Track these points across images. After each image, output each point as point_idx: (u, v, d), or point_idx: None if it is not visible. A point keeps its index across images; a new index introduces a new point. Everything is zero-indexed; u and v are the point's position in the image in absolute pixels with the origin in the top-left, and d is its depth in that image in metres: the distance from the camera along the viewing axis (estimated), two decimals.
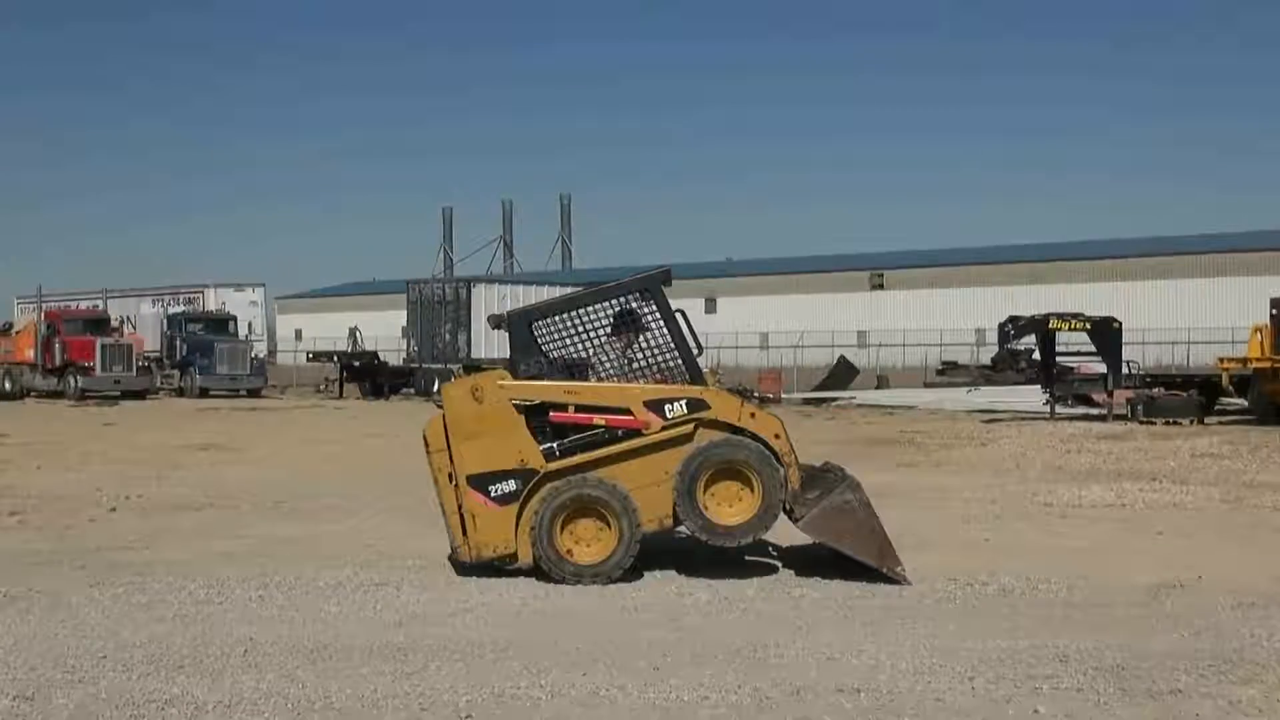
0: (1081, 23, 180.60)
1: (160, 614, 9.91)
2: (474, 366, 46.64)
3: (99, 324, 48.42)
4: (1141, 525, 14.80)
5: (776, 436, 11.26)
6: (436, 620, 9.75)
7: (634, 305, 11.67)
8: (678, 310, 11.56)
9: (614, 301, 11.73)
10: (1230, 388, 33.56)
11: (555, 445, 11.21)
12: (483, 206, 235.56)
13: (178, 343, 49.59)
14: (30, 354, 46.69)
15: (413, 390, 48.35)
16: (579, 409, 11.20)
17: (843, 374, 47.72)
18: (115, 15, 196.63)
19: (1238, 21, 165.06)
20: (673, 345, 11.51)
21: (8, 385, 46.80)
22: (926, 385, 43.89)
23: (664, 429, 11.13)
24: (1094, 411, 34.13)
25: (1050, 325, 33.02)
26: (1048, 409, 33.67)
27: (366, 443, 27.47)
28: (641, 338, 11.69)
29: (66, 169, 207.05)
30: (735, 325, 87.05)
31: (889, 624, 9.58)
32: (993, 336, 34.84)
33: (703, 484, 11.04)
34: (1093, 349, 33.33)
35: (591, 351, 11.69)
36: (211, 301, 56.44)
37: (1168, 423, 30.96)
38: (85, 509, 16.03)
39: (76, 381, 45.00)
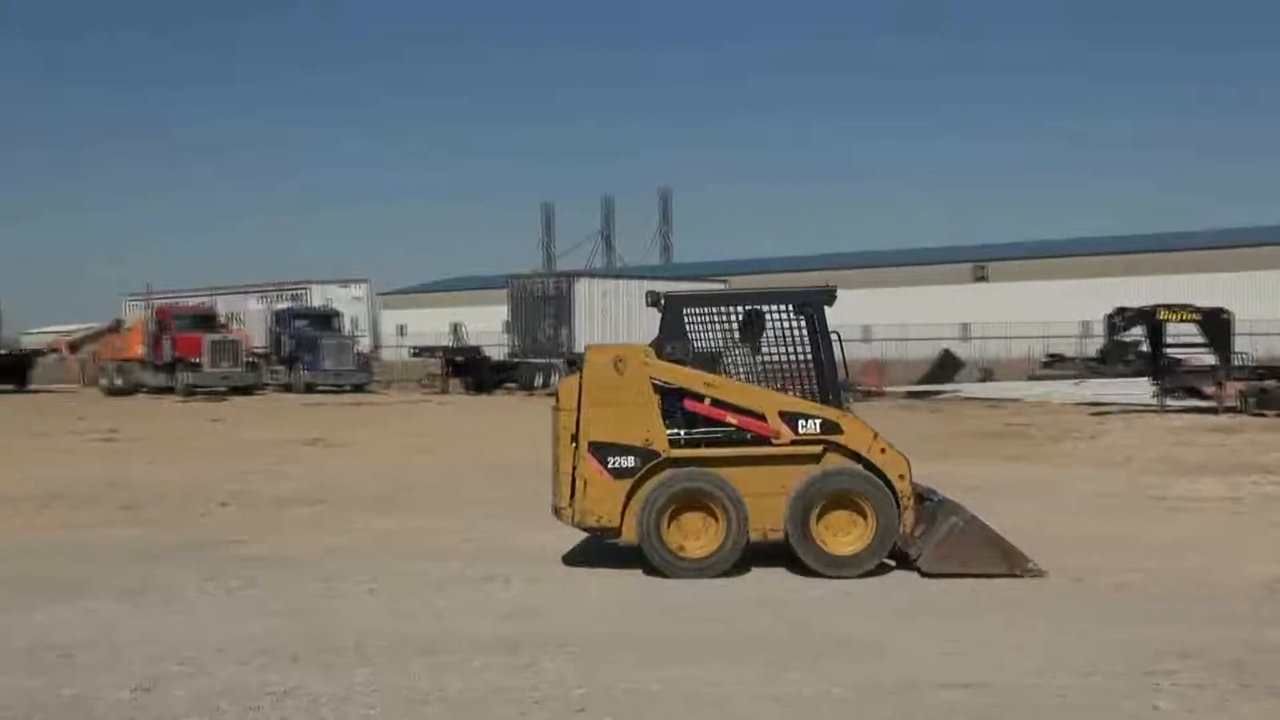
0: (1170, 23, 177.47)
1: (273, 608, 10.03)
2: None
3: (207, 320, 49.01)
4: (1256, 518, 14.53)
5: (901, 477, 11.21)
6: (547, 613, 9.78)
7: (767, 312, 11.80)
8: (834, 332, 11.56)
9: (770, 307, 11.86)
10: None
11: (682, 433, 11.23)
12: (583, 203, 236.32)
13: (284, 339, 50.04)
14: (140, 350, 47.46)
15: (515, 385, 48.52)
16: (714, 403, 11.21)
17: (947, 366, 47.33)
18: (216, 13, 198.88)
19: None
20: (819, 363, 11.58)
21: (119, 381, 47.55)
22: (1032, 378, 43.32)
23: (793, 443, 11.12)
24: (1204, 404, 33.49)
25: (1159, 316, 32.41)
26: (1156, 401, 33.15)
27: (470, 437, 27.57)
28: (772, 345, 11.74)
29: (171, 166, 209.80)
30: (837, 318, 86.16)
31: (1005, 619, 9.46)
32: (1097, 328, 34.34)
33: (818, 509, 11.02)
34: (1202, 340, 32.76)
35: (725, 349, 11.76)
36: (317, 298, 56.83)
37: None
38: (197, 504, 16.28)
39: (185, 377, 45.65)
